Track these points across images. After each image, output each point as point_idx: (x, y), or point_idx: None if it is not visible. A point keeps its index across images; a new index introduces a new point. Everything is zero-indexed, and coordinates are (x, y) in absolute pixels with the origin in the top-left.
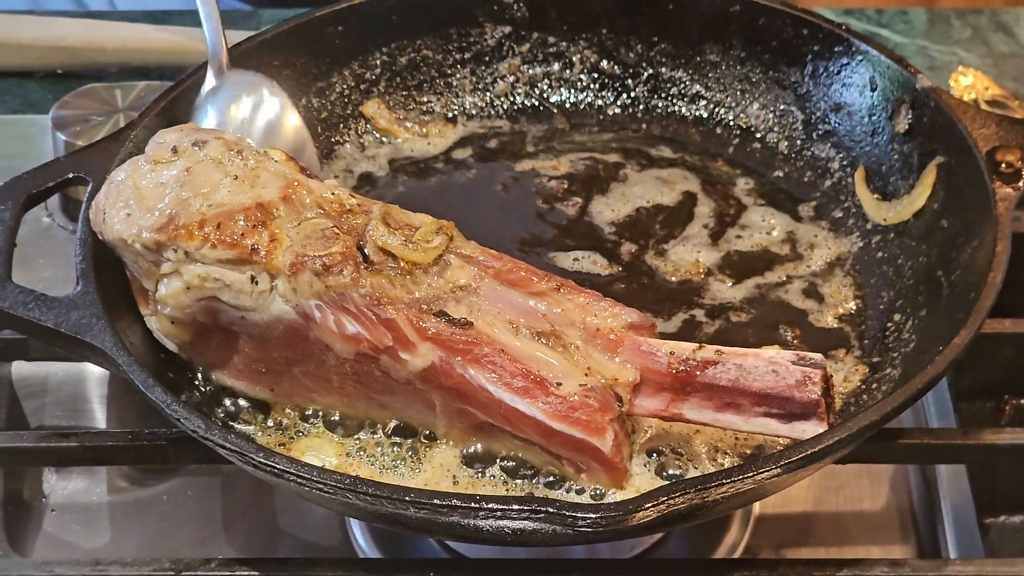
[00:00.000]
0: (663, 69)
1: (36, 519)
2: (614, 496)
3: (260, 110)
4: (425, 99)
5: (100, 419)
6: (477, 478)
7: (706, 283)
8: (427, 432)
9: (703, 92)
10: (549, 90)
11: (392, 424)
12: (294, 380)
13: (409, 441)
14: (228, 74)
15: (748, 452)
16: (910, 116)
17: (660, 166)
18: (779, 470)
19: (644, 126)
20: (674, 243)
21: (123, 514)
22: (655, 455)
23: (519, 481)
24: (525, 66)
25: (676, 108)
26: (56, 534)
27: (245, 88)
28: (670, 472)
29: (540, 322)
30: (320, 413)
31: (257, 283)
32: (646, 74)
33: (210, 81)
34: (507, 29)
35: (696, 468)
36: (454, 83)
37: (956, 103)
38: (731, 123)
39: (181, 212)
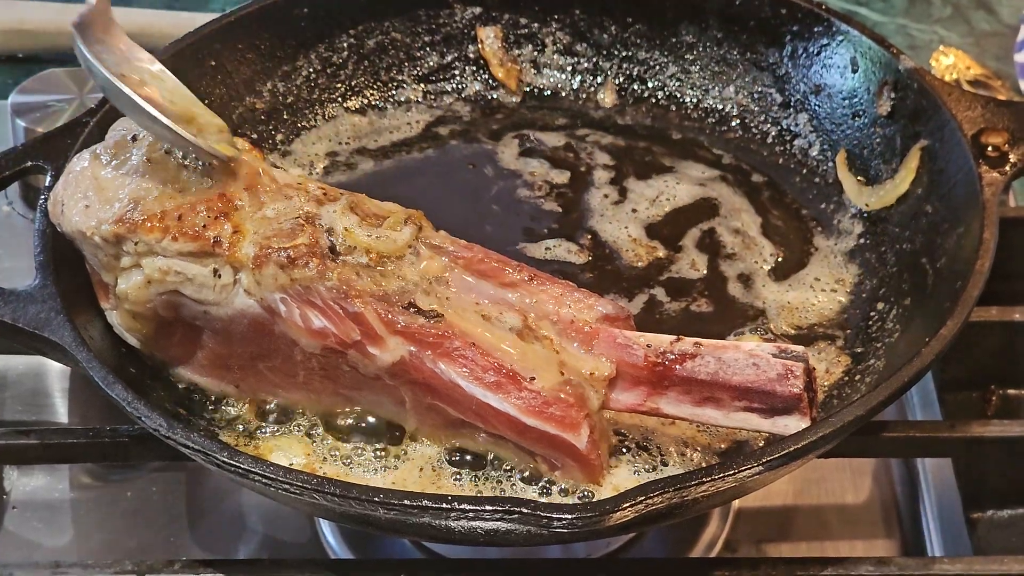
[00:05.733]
0: (638, 51)
1: None
2: (590, 494)
3: None
4: (393, 83)
5: (62, 414)
6: (449, 476)
7: (677, 267)
8: (397, 429)
9: (679, 74)
10: (521, 73)
11: (362, 421)
12: (259, 376)
13: (379, 438)
14: None
15: (722, 447)
16: (893, 98)
17: (635, 149)
18: (761, 468)
19: (618, 109)
20: (643, 228)
21: (86, 511)
22: (626, 451)
23: (492, 479)
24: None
25: (651, 91)
26: (17, 532)
27: None
28: (642, 469)
29: (512, 314)
30: (287, 410)
31: (220, 276)
32: (620, 56)
33: None
34: (477, 10)
35: (668, 465)
36: (423, 66)
37: (940, 84)
38: (708, 105)
39: (141, 203)
